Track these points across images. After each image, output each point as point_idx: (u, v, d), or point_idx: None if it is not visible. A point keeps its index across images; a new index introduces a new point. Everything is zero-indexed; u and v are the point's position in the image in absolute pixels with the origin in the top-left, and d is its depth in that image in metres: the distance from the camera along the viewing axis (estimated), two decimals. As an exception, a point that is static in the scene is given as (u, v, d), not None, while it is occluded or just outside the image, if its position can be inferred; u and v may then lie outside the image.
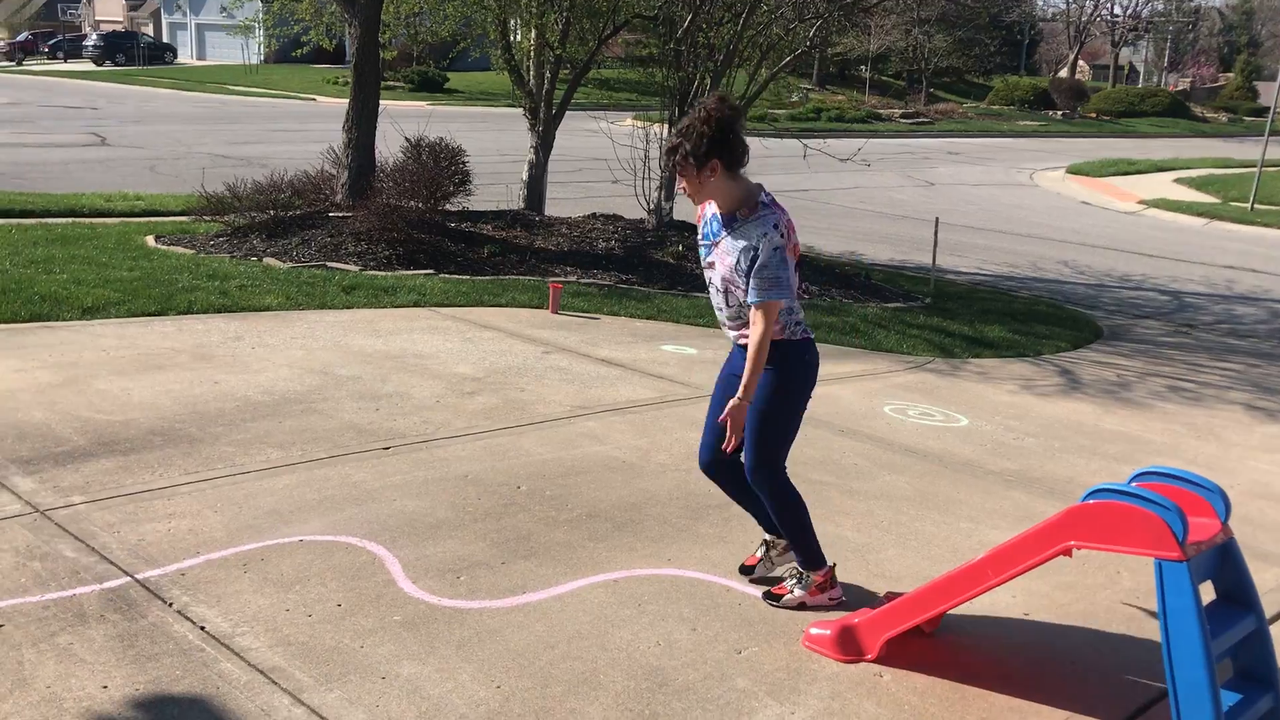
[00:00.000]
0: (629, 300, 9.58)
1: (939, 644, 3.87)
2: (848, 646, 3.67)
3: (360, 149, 11.45)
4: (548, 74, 12.53)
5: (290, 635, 3.53)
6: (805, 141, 14.06)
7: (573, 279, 10.27)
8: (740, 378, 3.71)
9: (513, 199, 13.61)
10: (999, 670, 3.74)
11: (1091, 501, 3.25)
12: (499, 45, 13.24)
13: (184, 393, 5.97)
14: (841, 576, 4.27)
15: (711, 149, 3.61)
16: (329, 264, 10.03)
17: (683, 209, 13.13)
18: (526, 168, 13.11)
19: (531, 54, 13.06)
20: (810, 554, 3.99)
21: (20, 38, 74.07)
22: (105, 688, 3.17)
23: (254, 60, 54.80)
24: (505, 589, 3.97)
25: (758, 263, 3.60)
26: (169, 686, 3.20)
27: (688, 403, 6.62)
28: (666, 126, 12.04)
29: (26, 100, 33.50)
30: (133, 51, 59.46)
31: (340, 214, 11.50)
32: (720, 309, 3.86)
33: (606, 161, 12.47)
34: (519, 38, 14.16)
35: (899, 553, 4.64)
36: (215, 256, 10.26)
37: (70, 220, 12.41)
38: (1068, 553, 3.32)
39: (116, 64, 58.55)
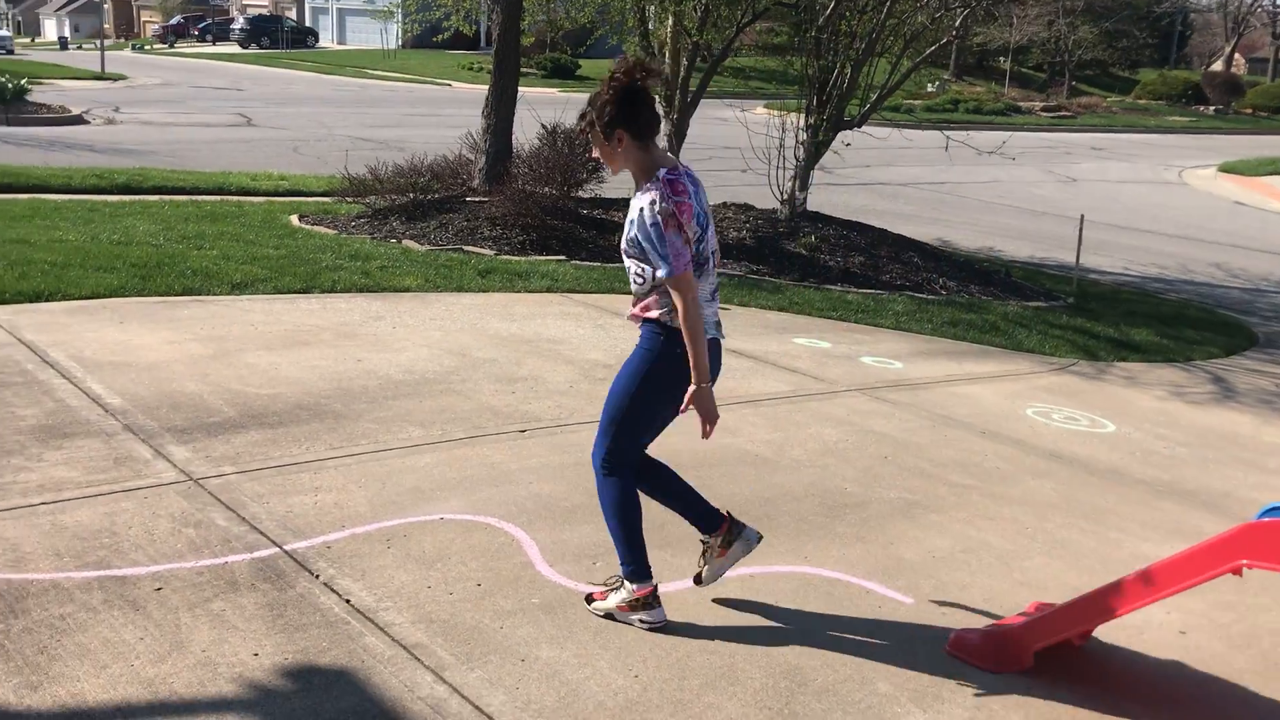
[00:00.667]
0: (760, 291, 9.49)
1: (1089, 658, 3.71)
2: (996, 655, 3.55)
3: (498, 135, 11.58)
4: (684, 61, 12.48)
5: (432, 612, 3.58)
6: (947, 133, 13.73)
7: (704, 268, 10.19)
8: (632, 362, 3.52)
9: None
10: (1156, 691, 3.57)
11: (1270, 519, 3.07)
12: (636, 32, 13.23)
13: (329, 369, 6.11)
14: (985, 583, 4.14)
15: (616, 118, 3.42)
16: (465, 247, 10.17)
17: (817, 199, 12.95)
18: (660, 155, 13.07)
19: (668, 41, 13.02)
20: (633, 564, 3.60)
21: (173, 21, 77.23)
22: (256, 655, 3.25)
23: (392, 45, 56.09)
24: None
25: (640, 237, 3.38)
26: (316, 657, 3.26)
27: (822, 398, 6.51)
28: (803, 116, 11.88)
29: (177, 81, 34.90)
30: (276, 35, 61.44)
31: (476, 198, 11.65)
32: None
33: (740, 150, 12.36)
34: (655, 25, 14.13)
35: (1045, 561, 4.48)
36: (356, 237, 10.49)
37: (219, 198, 12.87)
38: (1237, 571, 3.15)
39: (261, 47, 60.59)
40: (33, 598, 3.46)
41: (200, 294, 7.63)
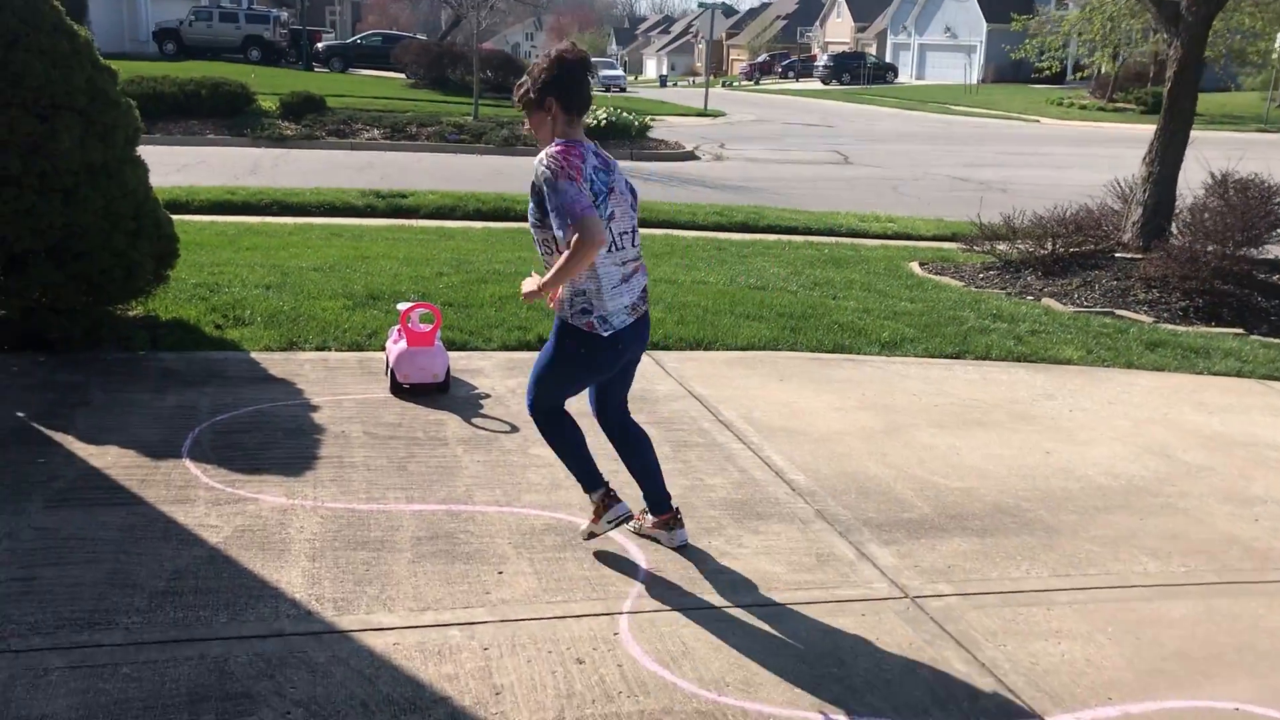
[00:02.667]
0: None
1: None
2: None
3: (1160, 184, 10.18)
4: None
5: None
6: None
7: None
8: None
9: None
10: None
11: None
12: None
13: (1015, 461, 5.31)
14: None
15: (550, 85, 3.66)
16: (1116, 311, 8.96)
17: None
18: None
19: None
20: (582, 477, 4.07)
21: (759, 59, 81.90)
22: None
23: (973, 80, 54.93)
24: None
25: (540, 183, 3.62)
26: None
27: None
28: None
29: (770, 118, 36.41)
30: (858, 71, 62.64)
31: (1127, 254, 10.33)
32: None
33: None
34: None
35: None
36: (988, 292, 9.68)
37: (831, 240, 12.68)
38: None
39: (842, 83, 62.11)
40: (773, 741, 2.99)
41: (851, 352, 7.20)
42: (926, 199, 17.26)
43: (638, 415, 5.60)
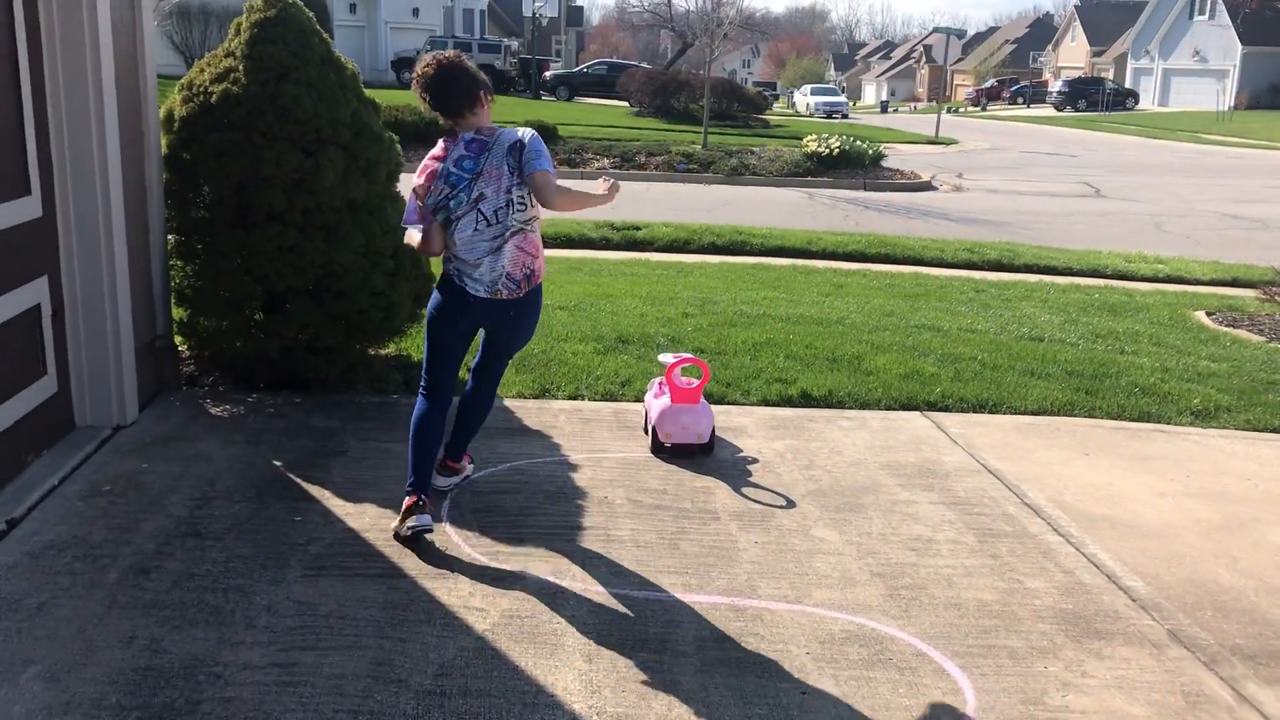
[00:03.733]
0: None
1: None
2: None
3: None
4: None
5: None
6: None
7: None
8: None
9: None
10: None
11: None
12: None
13: (1403, 575, 4.38)
14: None
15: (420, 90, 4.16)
16: None
17: None
18: None
19: None
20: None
21: (986, 84, 79.13)
22: None
23: (1225, 107, 51.28)
24: None
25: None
26: None
27: None
28: None
29: (1005, 146, 34.77)
30: (1096, 97, 59.52)
31: None
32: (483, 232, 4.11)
33: None
34: None
35: None
36: (1300, 348, 8.51)
37: (1100, 282, 11.61)
38: None
39: (1077, 109, 59.16)
40: None
41: (1159, 421, 6.32)
42: (1195, 238, 15.80)
43: (926, 492, 4.97)
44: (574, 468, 5.05)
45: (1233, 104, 52.76)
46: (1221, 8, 57.02)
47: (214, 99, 5.58)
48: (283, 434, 5.30)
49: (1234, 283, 12.10)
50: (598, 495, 4.74)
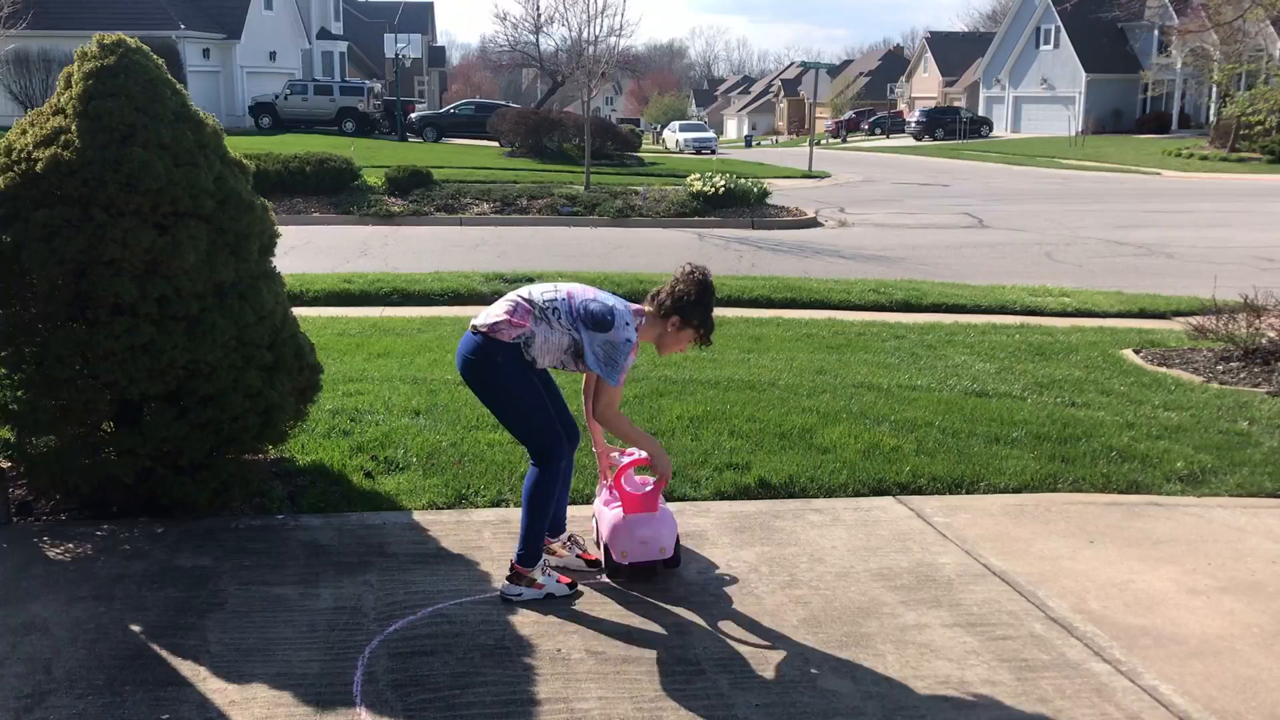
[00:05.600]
0: None
1: None
2: None
3: None
4: None
5: None
6: None
7: None
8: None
9: None
10: None
11: None
12: None
13: None
14: None
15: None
16: None
17: None
18: None
19: None
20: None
21: (844, 116, 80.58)
22: None
23: (1076, 132, 53.00)
24: None
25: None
26: None
27: None
28: None
29: (877, 178, 34.95)
30: (953, 126, 60.99)
31: None
32: None
33: None
34: None
35: None
36: (1244, 391, 8.08)
37: (1014, 320, 11.16)
38: None
39: (935, 138, 60.45)
40: None
41: (1146, 489, 5.71)
42: (1087, 266, 15.67)
43: (934, 609, 4.19)
44: (513, 608, 4.13)
45: (1081, 129, 54.53)
46: (1066, 38, 59.10)
47: (40, 167, 4.52)
48: (143, 582, 4.24)
49: (1142, 313, 11.86)
50: (548, 648, 3.82)
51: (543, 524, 4.15)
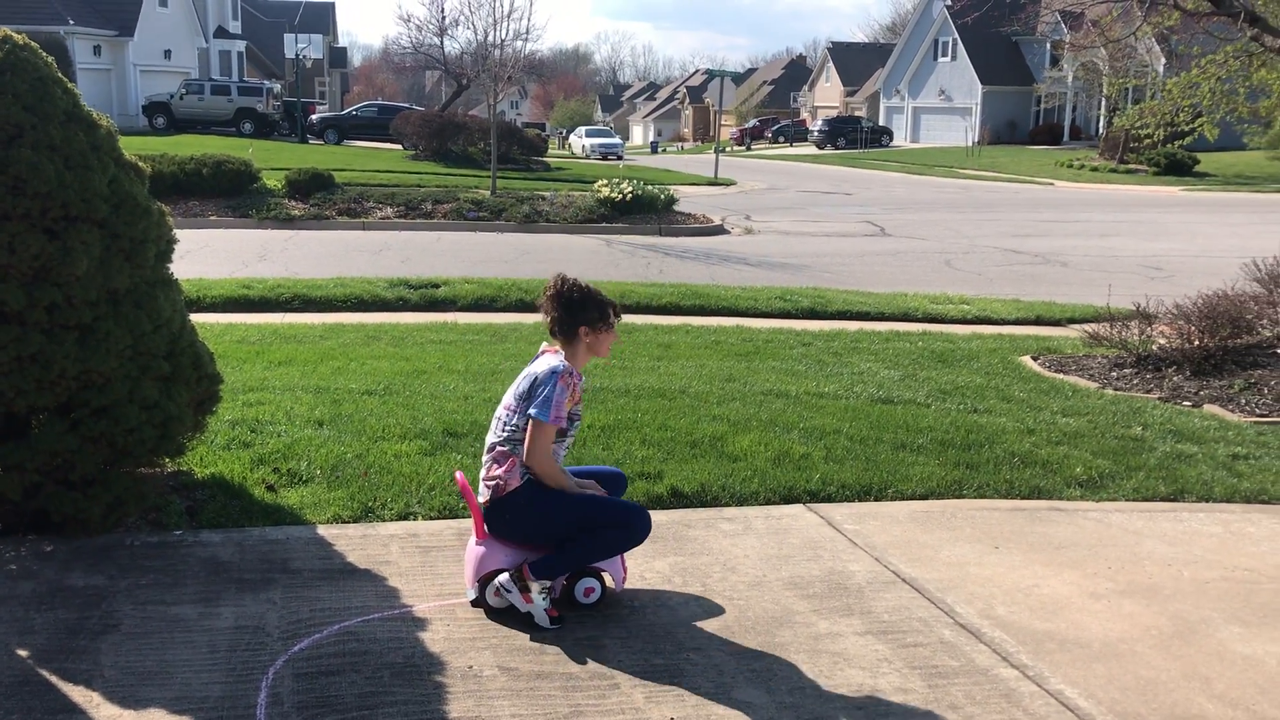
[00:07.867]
0: None
1: None
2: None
3: (1328, 269, 8.90)
4: None
5: None
6: None
7: None
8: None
9: None
10: None
11: None
12: None
13: (1379, 682, 3.92)
14: None
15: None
16: (1303, 421, 7.64)
17: None
18: None
19: None
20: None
21: (749, 125, 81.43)
22: None
23: (972, 143, 54.31)
24: None
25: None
26: None
27: None
28: None
29: (782, 186, 35.38)
30: (854, 135, 62.03)
31: (1290, 350, 9.05)
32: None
33: None
34: None
35: None
36: (1135, 396, 8.34)
37: (915, 327, 11.36)
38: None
39: (837, 147, 61.42)
40: None
41: (1050, 496, 5.84)
42: (986, 274, 16.05)
43: (846, 618, 4.22)
44: (422, 624, 4.04)
45: (978, 139, 55.93)
46: (963, 50, 60.56)
47: (-82, 168, 4.30)
48: (30, 604, 4.05)
49: (1039, 321, 12.15)
50: (459, 665, 3.74)
51: (582, 562, 4.12)
